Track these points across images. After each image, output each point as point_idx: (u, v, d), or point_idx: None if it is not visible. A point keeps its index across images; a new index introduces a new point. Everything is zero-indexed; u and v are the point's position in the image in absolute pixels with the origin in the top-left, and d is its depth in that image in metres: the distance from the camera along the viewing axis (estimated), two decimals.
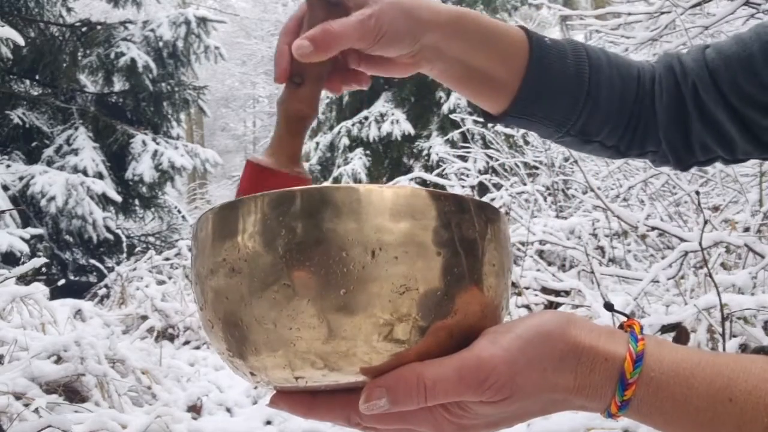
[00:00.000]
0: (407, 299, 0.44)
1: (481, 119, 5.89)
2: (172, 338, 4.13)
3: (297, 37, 0.56)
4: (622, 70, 0.72)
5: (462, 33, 0.62)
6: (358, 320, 0.44)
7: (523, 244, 3.65)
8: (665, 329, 2.48)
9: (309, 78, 0.57)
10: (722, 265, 3.24)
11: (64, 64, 7.70)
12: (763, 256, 2.54)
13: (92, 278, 7.33)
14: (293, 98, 0.57)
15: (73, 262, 7.57)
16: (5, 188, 6.25)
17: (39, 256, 3.21)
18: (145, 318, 4.08)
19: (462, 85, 0.67)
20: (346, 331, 0.44)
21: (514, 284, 3.13)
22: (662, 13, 3.24)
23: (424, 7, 0.60)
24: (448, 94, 10.95)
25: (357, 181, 10.57)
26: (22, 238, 4.65)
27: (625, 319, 0.50)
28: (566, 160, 5.49)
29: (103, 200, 7.10)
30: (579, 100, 0.69)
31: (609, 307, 0.56)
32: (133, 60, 7.74)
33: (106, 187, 7.08)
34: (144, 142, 7.76)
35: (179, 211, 8.98)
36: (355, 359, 0.45)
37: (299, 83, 0.57)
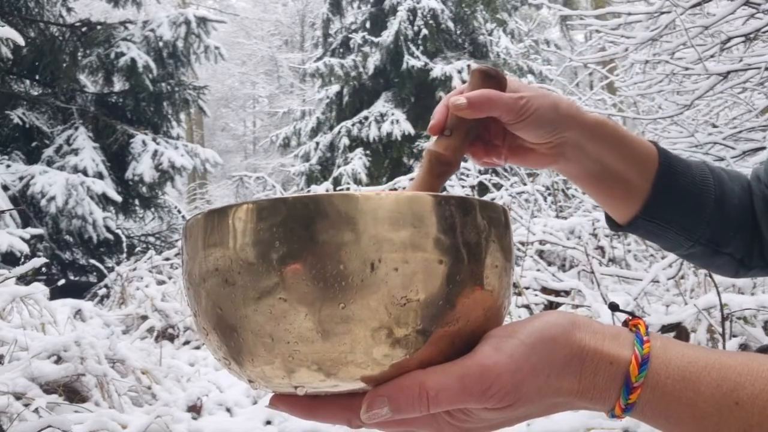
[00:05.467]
0: (408, 310, 0.43)
1: None
2: (172, 338, 4.12)
3: None
4: (741, 181, 0.75)
5: (603, 135, 0.68)
6: (357, 333, 0.43)
7: (523, 244, 3.65)
8: (665, 329, 2.48)
9: (458, 132, 0.63)
10: None
11: (64, 64, 7.70)
12: None
13: (92, 278, 7.33)
14: (441, 146, 0.63)
15: (73, 262, 7.57)
16: (5, 188, 6.25)
17: (39, 256, 3.21)
18: (145, 318, 4.08)
19: (598, 183, 0.71)
20: (346, 344, 0.43)
21: (514, 284, 3.13)
22: (662, 13, 3.24)
23: (568, 104, 0.67)
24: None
25: (357, 180, 10.55)
26: (22, 238, 4.64)
27: (628, 317, 0.50)
28: None
29: (103, 200, 7.10)
30: (707, 206, 0.72)
31: (614, 307, 0.55)
32: (133, 60, 7.74)
33: (106, 187, 7.08)
34: (144, 142, 7.76)
35: (179, 211, 8.98)
36: (356, 370, 0.44)
37: (448, 135, 0.63)
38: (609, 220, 0.77)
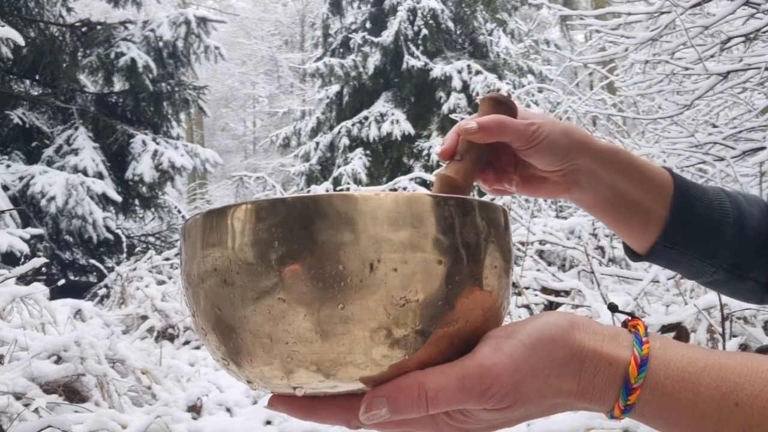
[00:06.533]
0: (407, 311, 0.43)
1: None
2: (172, 338, 4.12)
3: None
4: (759, 203, 0.74)
5: (616, 162, 0.68)
6: (356, 334, 0.42)
7: (523, 244, 3.65)
8: (665, 329, 2.48)
9: (468, 157, 0.64)
10: None
11: (64, 64, 7.70)
12: None
13: (92, 278, 7.33)
14: (451, 170, 0.64)
15: (73, 262, 7.57)
16: (5, 188, 6.25)
17: (39, 256, 3.21)
18: (145, 318, 4.08)
19: (614, 212, 0.71)
20: (345, 345, 0.43)
21: (514, 284, 3.13)
22: (662, 13, 3.23)
23: (580, 132, 0.67)
24: (448, 94, 10.95)
25: (357, 180, 10.55)
26: (22, 238, 4.64)
27: (628, 317, 0.50)
28: None
29: (103, 200, 7.10)
30: (727, 229, 0.70)
31: (613, 308, 0.56)
32: (133, 60, 7.75)
33: (106, 187, 7.08)
34: (144, 142, 7.76)
35: (179, 211, 8.98)
36: (355, 370, 0.44)
37: (459, 160, 0.64)
38: (628, 250, 0.75)
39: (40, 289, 3.20)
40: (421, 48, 11.43)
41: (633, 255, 0.75)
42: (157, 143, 7.85)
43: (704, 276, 0.73)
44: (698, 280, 0.75)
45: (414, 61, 11.21)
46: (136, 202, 8.36)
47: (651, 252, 0.72)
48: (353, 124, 11.56)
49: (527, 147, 0.65)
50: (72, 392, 2.55)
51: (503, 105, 0.65)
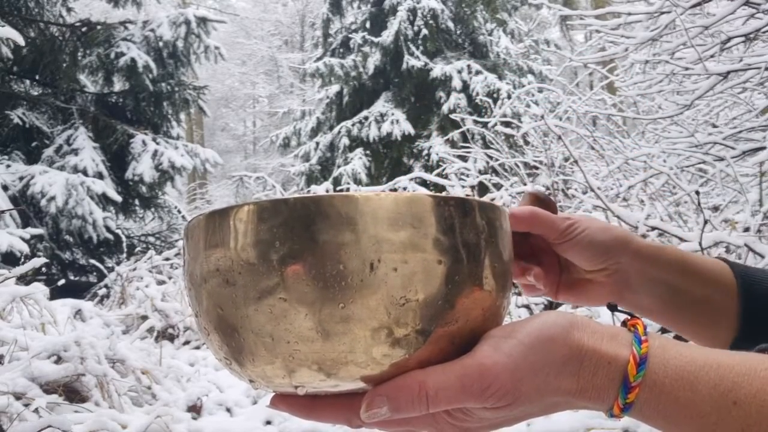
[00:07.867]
0: (407, 310, 0.43)
1: (481, 119, 5.89)
2: (172, 338, 4.13)
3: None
4: None
5: (665, 258, 0.64)
6: (357, 333, 0.43)
7: None
8: (665, 329, 2.48)
9: None
10: None
11: (64, 64, 7.70)
12: (763, 256, 2.54)
13: (92, 278, 7.33)
14: None
15: (73, 262, 7.57)
16: (5, 188, 6.25)
17: (39, 256, 3.21)
18: (145, 318, 4.08)
19: (678, 312, 0.65)
20: (346, 344, 0.43)
21: (514, 284, 3.13)
22: (662, 13, 3.23)
23: (621, 230, 0.65)
24: (448, 94, 10.95)
25: (357, 180, 10.56)
26: (22, 238, 4.65)
27: (627, 317, 0.50)
28: (566, 160, 5.48)
29: (103, 200, 7.10)
30: None
31: (612, 307, 0.56)
32: (133, 60, 7.75)
33: (106, 187, 7.08)
34: (144, 142, 7.76)
35: (179, 211, 8.98)
36: (355, 369, 0.44)
37: None
38: None
39: (40, 289, 3.20)
40: (421, 48, 11.44)
41: None
42: (157, 143, 7.85)
43: None
44: None
45: (414, 61, 11.22)
46: (136, 202, 8.36)
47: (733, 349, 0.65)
48: (353, 124, 11.57)
49: (562, 241, 0.64)
50: (72, 392, 2.55)
51: (542, 202, 0.66)
